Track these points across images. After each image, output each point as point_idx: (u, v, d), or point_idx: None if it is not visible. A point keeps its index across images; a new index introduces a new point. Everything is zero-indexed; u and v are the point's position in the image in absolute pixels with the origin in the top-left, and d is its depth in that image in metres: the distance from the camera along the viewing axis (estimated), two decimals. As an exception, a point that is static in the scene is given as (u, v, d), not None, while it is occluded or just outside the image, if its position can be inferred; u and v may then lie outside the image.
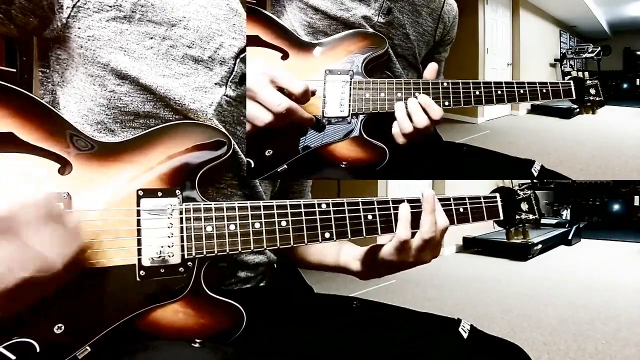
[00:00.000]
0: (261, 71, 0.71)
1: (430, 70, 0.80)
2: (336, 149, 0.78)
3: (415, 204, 0.70)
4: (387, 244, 0.70)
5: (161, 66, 0.65)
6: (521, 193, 0.82)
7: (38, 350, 0.52)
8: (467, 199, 0.77)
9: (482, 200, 0.79)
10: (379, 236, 0.70)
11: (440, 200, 0.73)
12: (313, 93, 0.74)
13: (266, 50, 0.77)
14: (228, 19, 0.72)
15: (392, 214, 0.70)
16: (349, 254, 0.81)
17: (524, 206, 0.82)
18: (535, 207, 0.83)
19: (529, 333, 2.40)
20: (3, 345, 0.50)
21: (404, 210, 0.68)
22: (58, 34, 0.64)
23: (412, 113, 0.76)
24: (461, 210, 0.76)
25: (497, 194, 0.81)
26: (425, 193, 0.70)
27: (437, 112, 0.76)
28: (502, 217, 0.80)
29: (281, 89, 0.71)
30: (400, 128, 0.77)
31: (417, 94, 0.77)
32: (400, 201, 0.70)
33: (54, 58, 0.67)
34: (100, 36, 0.63)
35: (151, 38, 0.65)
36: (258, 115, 0.71)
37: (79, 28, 0.63)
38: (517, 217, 0.81)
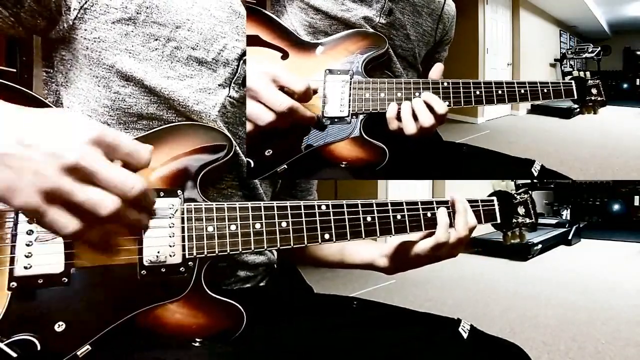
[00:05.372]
0: (262, 70, 0.71)
1: (437, 71, 0.79)
2: (336, 149, 0.78)
3: (444, 206, 0.76)
4: (423, 241, 0.74)
5: (165, 67, 0.66)
6: (518, 197, 0.83)
7: (39, 348, 0.52)
8: None
9: (480, 203, 0.80)
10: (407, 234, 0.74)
11: (438, 203, 0.75)
12: (315, 91, 0.74)
13: (266, 50, 0.77)
14: (231, 21, 0.73)
15: (391, 217, 0.71)
16: (373, 251, 0.84)
17: (521, 210, 0.83)
18: (532, 211, 0.84)
19: (529, 333, 2.40)
20: (5, 342, 0.50)
21: (443, 216, 0.74)
22: (63, 35, 0.64)
23: (418, 112, 0.76)
24: None
25: (494, 198, 0.81)
26: (456, 197, 0.76)
27: (442, 107, 0.76)
28: (499, 221, 0.82)
29: (282, 88, 0.71)
30: (405, 129, 0.76)
31: (417, 93, 0.77)
32: (399, 203, 0.72)
33: (58, 58, 0.67)
34: (106, 38, 0.63)
35: (156, 39, 0.65)
36: (260, 115, 0.71)
37: (85, 30, 0.63)
38: (514, 220, 0.82)
